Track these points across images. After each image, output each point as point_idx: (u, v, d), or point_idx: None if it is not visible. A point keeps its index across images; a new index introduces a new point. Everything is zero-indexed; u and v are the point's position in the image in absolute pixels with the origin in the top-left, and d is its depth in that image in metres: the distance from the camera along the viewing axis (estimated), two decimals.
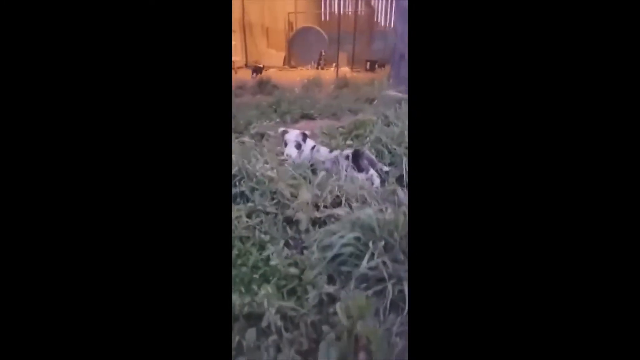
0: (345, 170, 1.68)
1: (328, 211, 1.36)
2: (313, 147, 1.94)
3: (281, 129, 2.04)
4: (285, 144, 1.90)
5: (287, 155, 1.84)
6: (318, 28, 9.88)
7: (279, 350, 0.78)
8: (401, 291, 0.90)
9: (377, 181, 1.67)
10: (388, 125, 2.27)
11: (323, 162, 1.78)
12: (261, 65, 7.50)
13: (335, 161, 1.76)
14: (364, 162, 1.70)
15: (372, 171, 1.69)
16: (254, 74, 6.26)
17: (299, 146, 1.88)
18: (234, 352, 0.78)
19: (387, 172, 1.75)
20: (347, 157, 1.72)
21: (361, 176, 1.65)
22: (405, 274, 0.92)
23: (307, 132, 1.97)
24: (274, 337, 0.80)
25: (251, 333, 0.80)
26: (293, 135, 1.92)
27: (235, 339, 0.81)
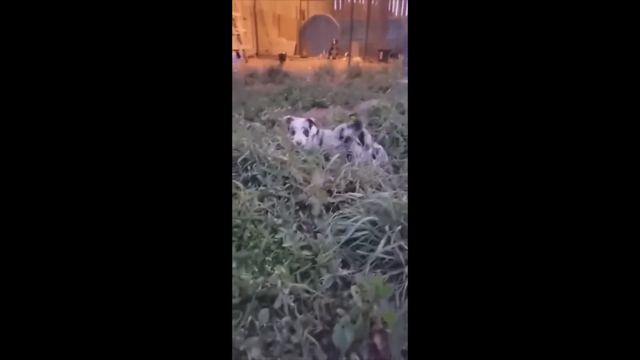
0: (349, 137, 1.72)
1: (341, 196, 1.33)
2: (317, 132, 1.92)
3: (285, 117, 2.02)
4: (293, 132, 1.88)
5: (296, 142, 1.82)
6: (330, 16, 9.70)
7: (292, 331, 0.76)
8: None
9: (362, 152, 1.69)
10: (403, 113, 2.22)
11: (336, 147, 1.76)
12: (284, 53, 7.78)
13: (339, 134, 1.79)
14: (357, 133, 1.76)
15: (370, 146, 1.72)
16: (280, 62, 6.74)
17: (307, 132, 1.87)
18: (246, 332, 0.77)
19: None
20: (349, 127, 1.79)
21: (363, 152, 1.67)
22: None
23: (312, 119, 1.96)
24: (287, 318, 0.78)
25: (264, 313, 0.79)
26: (299, 122, 1.91)
27: (248, 319, 0.79)
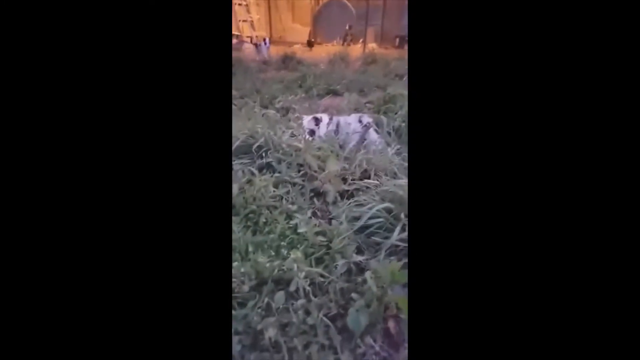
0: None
1: (356, 184, 1.33)
2: (331, 119, 1.91)
3: (300, 120, 1.98)
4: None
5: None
6: (345, 1, 9.43)
7: (307, 313, 0.78)
8: None
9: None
10: None
11: (354, 132, 1.75)
12: (313, 40, 8.15)
13: (358, 119, 1.80)
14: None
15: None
16: (310, 48, 7.43)
17: (312, 133, 1.84)
18: (262, 313, 0.79)
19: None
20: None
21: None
22: None
23: (318, 116, 1.94)
24: (302, 300, 0.80)
25: (280, 296, 0.81)
26: (306, 122, 1.88)
27: (264, 300, 0.82)
